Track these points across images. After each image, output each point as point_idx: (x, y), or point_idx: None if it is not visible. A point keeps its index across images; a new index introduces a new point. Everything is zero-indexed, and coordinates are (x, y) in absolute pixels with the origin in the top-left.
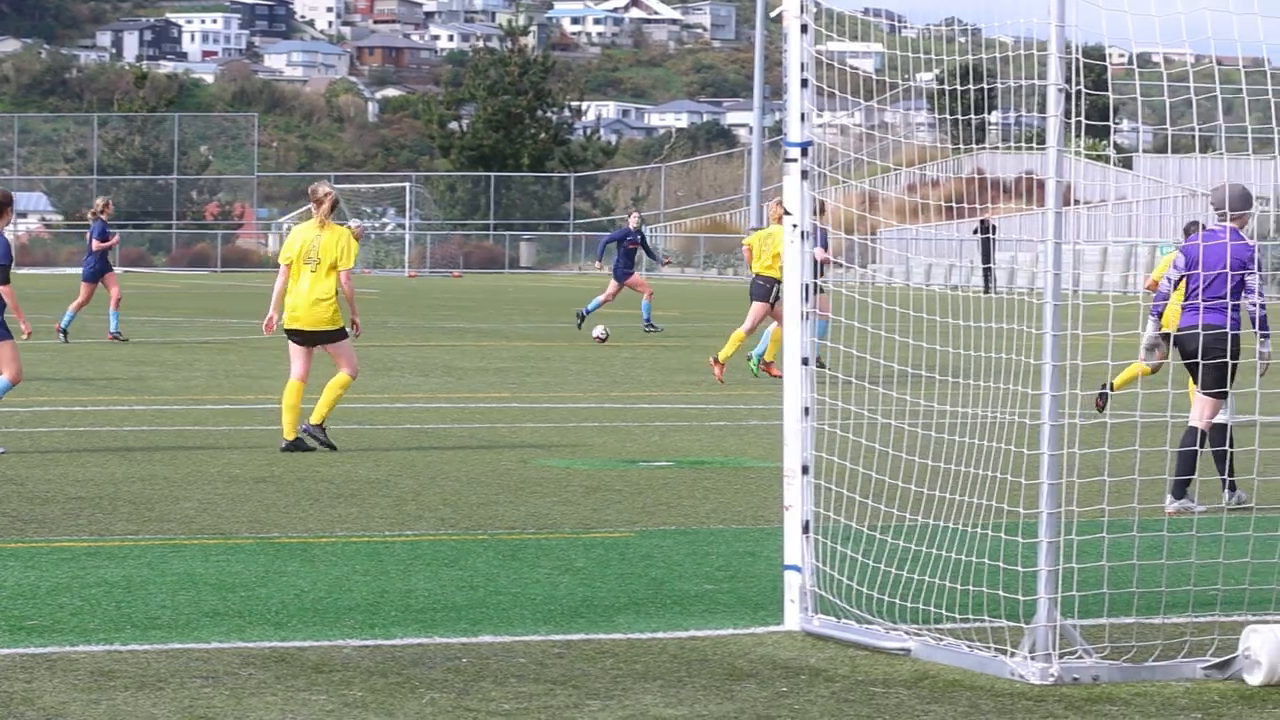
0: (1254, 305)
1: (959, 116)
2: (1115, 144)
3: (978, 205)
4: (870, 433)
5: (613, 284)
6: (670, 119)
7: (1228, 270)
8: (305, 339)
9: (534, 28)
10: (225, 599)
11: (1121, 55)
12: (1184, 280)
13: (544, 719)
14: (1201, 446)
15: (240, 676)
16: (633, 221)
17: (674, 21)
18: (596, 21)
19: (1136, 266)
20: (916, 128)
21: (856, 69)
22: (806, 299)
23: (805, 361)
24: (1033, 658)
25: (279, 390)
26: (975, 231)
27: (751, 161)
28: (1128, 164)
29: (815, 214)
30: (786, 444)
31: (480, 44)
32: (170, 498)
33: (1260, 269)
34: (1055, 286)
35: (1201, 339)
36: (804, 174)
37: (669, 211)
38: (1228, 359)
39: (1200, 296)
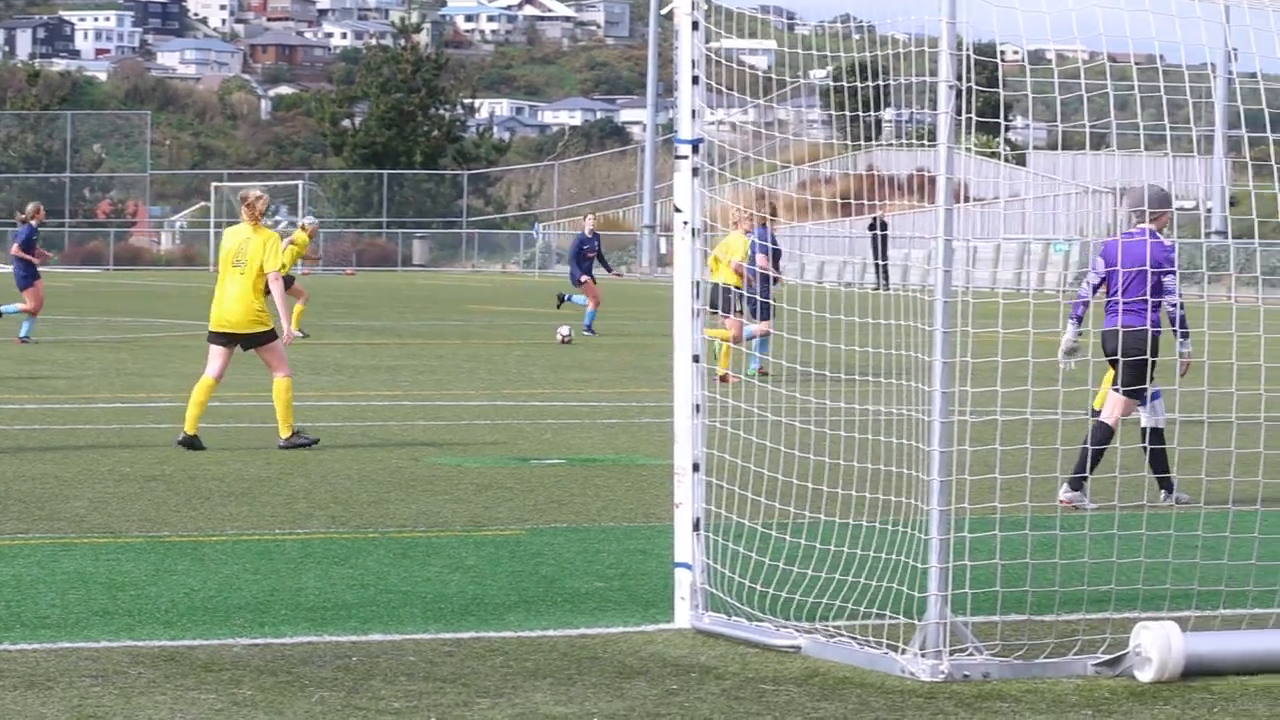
0: (1172, 306)
1: (853, 113)
2: (1009, 141)
3: (871, 202)
4: (761, 430)
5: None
6: (564, 116)
7: (1147, 270)
8: (229, 341)
9: (427, 25)
10: (115, 598)
11: (1015, 52)
12: (1104, 282)
13: (434, 717)
14: (1107, 443)
15: (130, 675)
16: (588, 226)
17: (568, 19)
18: (490, 19)
19: (1029, 264)
20: (810, 125)
21: (750, 66)
22: (697, 297)
23: (695, 359)
24: (923, 655)
25: (170, 389)
26: (870, 228)
27: (645, 159)
28: (1021, 161)
29: (767, 220)
30: (677, 441)
31: (373, 41)
32: (61, 496)
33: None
34: (945, 283)
35: (1121, 338)
36: (694, 171)
37: (562, 209)
38: (1147, 358)
39: (1120, 297)
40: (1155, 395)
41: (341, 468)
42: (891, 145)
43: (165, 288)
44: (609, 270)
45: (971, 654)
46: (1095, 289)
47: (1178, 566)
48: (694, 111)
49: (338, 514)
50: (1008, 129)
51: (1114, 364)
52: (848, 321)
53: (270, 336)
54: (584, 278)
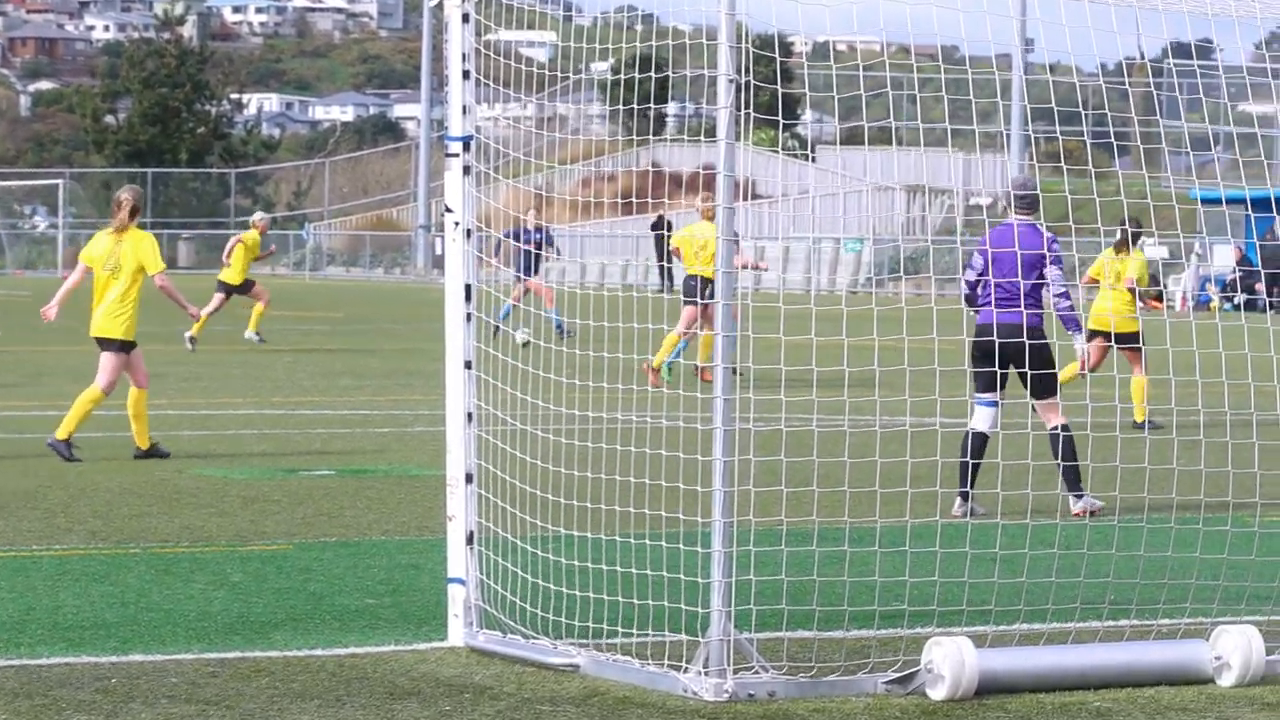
0: (1059, 298)
1: (635, 107)
2: (797, 136)
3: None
4: (538, 442)
5: (527, 283)
6: (335, 112)
7: (1018, 264)
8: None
9: (192, 17)
10: None
11: (805, 43)
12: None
13: None
14: (1065, 448)
15: None
16: (530, 219)
17: (339, 10)
18: (258, 10)
19: (819, 264)
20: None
21: (527, 59)
22: (469, 300)
23: (468, 365)
24: (706, 673)
25: None
26: (653, 228)
27: (419, 156)
28: (811, 157)
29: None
30: (449, 451)
31: (136, 34)
32: None
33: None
34: (726, 285)
35: (1008, 341)
36: (466, 170)
37: (334, 209)
38: (1051, 348)
39: (993, 293)
40: (994, 402)
41: (102, 480)
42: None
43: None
44: (552, 254)
45: (757, 672)
46: (974, 284)
47: (975, 582)
48: (465, 107)
49: (97, 529)
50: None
51: (984, 366)
52: (627, 328)
53: (126, 347)
54: (528, 278)
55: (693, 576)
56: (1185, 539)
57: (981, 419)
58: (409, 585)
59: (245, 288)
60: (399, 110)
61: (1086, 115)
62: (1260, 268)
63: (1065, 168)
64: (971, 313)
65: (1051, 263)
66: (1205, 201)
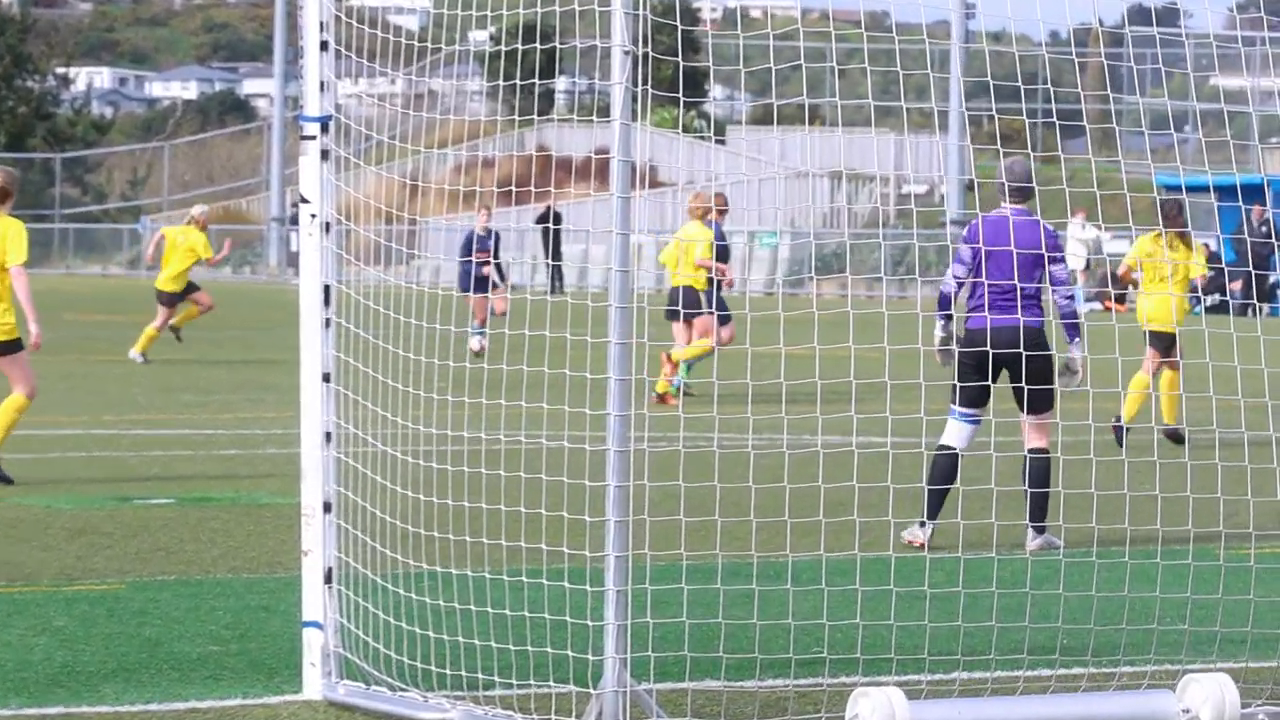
0: (1064, 300)
1: (518, 83)
2: (704, 115)
3: (542, 189)
4: (404, 466)
5: (474, 298)
6: (176, 88)
7: (1013, 262)
8: None
9: None
10: None
11: (713, 10)
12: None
13: None
14: (1041, 473)
15: None
16: (480, 222)
17: None
18: None
19: (729, 260)
20: (467, 97)
21: (396, 28)
22: (328, 304)
23: (326, 378)
24: None
25: None
26: (539, 221)
27: (272, 139)
28: (721, 139)
29: (714, 211)
30: (305, 477)
31: None
32: None
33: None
34: (623, 286)
35: (1006, 349)
36: (325, 154)
37: (175, 199)
38: (1052, 357)
39: (987, 294)
40: (977, 420)
41: None
42: (565, 121)
43: None
44: (502, 279)
45: None
46: (961, 280)
47: (904, 625)
48: (323, 83)
49: None
50: (702, 102)
51: (975, 376)
52: (514, 336)
53: (14, 347)
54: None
55: (583, 619)
56: (1144, 574)
57: (958, 435)
58: (258, 630)
59: (187, 293)
60: (249, 87)
61: (1035, 91)
62: (1234, 265)
63: (1002, 150)
64: (941, 319)
65: (1056, 260)
66: (1171, 188)
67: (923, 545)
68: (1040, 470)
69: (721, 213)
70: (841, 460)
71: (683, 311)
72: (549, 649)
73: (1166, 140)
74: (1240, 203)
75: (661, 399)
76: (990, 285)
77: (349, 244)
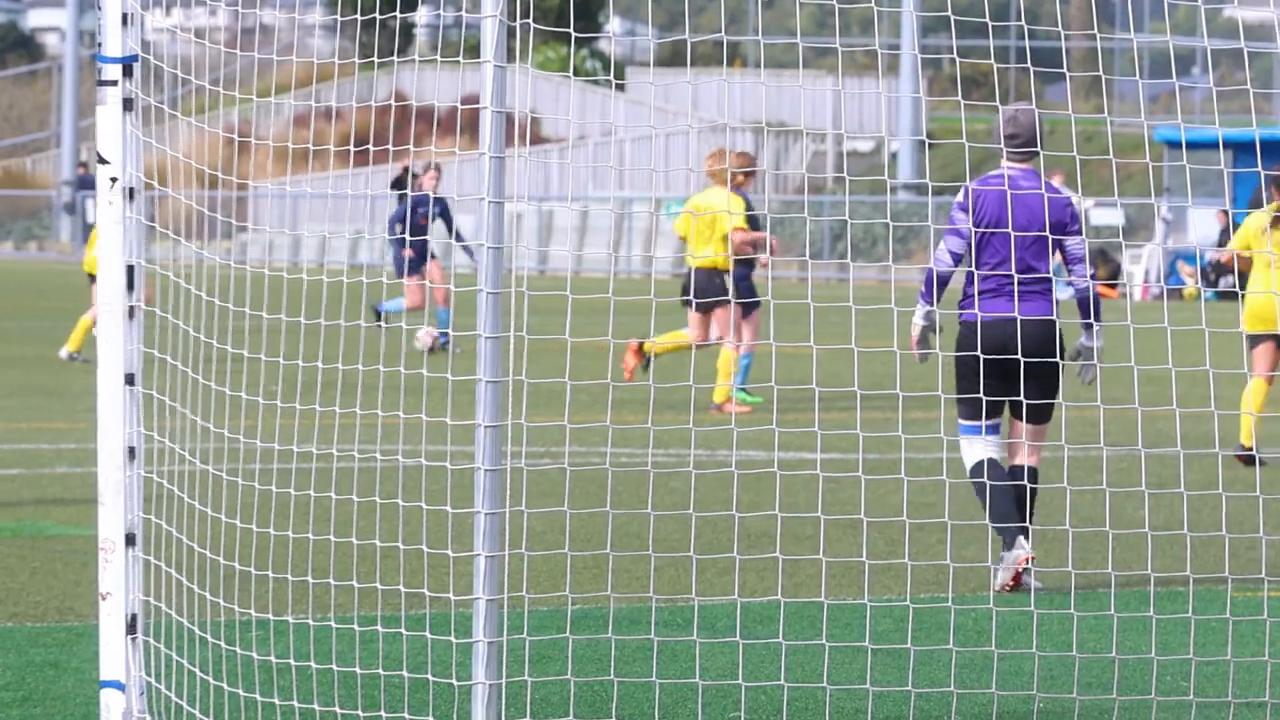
0: (1084, 281)
1: (372, 18)
2: (599, 55)
3: (399, 147)
4: (229, 489)
5: (410, 281)
6: None
7: (1011, 239)
8: None
9: None
10: None
11: None
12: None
13: None
14: (1027, 496)
15: None
16: (428, 182)
17: None
18: None
19: (631, 232)
20: (308, 33)
21: None
22: (132, 289)
23: (129, 380)
24: None
25: None
26: (394, 185)
27: (63, 84)
28: (621, 84)
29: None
30: (103, 503)
31: None
32: None
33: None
34: (495, 267)
35: (1018, 341)
36: (128, 104)
37: None
38: (1057, 360)
39: (977, 276)
40: (997, 427)
41: None
42: (427, 63)
43: None
44: (469, 254)
45: None
46: (959, 258)
47: (840, 686)
48: (127, 16)
49: None
50: (596, 38)
51: (994, 374)
52: (367, 328)
53: None
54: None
55: (447, 677)
56: (1135, 626)
57: (984, 449)
58: (45, 691)
59: None
60: (34, 19)
61: (1006, 27)
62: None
63: (963, 103)
64: (926, 307)
65: (1073, 231)
66: (1174, 145)
67: (1030, 558)
68: (1029, 493)
69: (748, 175)
70: (765, 481)
71: (706, 298)
72: (405, 715)
73: (1168, 86)
74: (1259, 164)
75: (720, 408)
76: (995, 267)
77: (160, 213)
